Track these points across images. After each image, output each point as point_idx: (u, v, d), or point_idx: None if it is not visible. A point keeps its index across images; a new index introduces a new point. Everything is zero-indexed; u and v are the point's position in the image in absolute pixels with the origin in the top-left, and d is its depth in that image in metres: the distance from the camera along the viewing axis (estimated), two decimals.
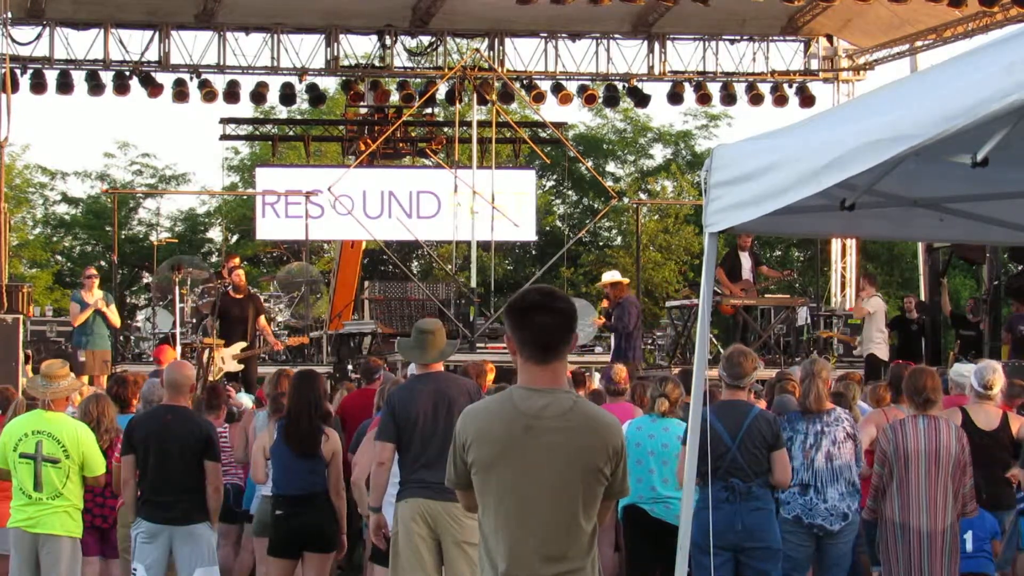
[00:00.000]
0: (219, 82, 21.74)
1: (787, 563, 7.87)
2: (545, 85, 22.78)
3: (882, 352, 17.35)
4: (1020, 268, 18.43)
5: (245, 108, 23.99)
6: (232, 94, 21.75)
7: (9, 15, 18.38)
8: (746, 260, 18.27)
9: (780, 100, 23.13)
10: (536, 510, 4.03)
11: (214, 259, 31.74)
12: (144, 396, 8.79)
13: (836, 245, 23.53)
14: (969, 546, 7.73)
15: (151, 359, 17.41)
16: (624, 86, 23.21)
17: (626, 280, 16.92)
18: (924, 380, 7.56)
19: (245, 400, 11.59)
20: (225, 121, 24.06)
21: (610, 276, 16.60)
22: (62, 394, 8.23)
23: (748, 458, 7.24)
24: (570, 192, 37.22)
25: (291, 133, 27.82)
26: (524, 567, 4.02)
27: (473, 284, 20.24)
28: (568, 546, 4.04)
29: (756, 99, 22.94)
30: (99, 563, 8.85)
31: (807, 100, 23.15)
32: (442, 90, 22.41)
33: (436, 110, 27.34)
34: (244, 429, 9.93)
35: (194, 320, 17.99)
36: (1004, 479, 8.34)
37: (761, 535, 7.28)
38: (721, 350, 19.35)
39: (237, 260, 18.09)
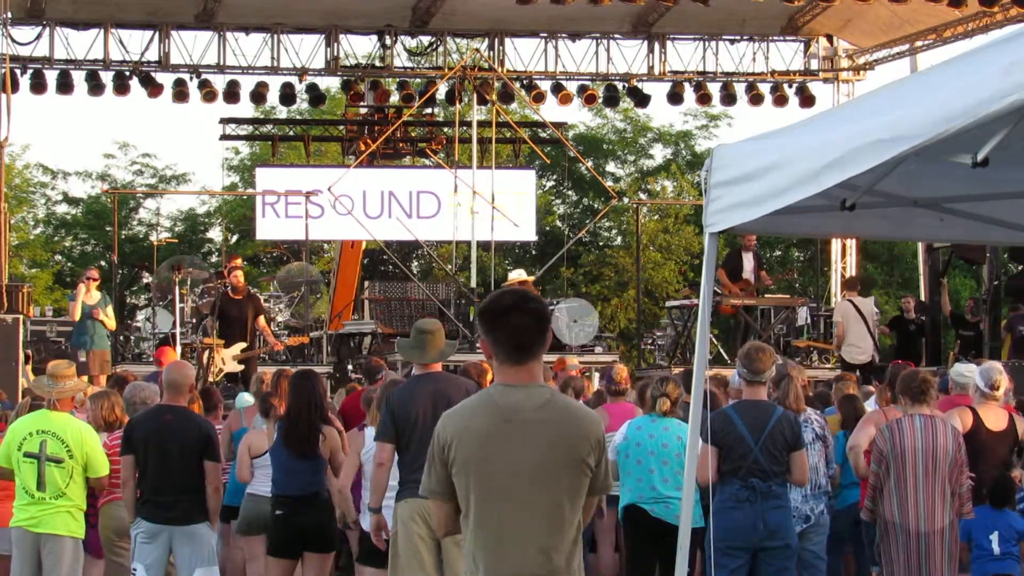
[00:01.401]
0: (219, 82, 21.73)
1: None
2: (545, 85, 22.76)
3: (848, 355, 17.23)
4: (1020, 268, 18.44)
5: (245, 108, 24.01)
6: (232, 94, 21.73)
7: (9, 15, 18.38)
8: (748, 261, 18.26)
9: (780, 100, 23.12)
10: (521, 505, 4.03)
11: (214, 259, 31.73)
12: (127, 399, 8.75)
13: (836, 245, 23.52)
14: (996, 547, 7.70)
15: (151, 359, 17.41)
16: (624, 86, 23.20)
17: (531, 279, 17.05)
18: (916, 376, 7.60)
19: (248, 399, 11.58)
20: (225, 121, 24.04)
21: (518, 275, 16.67)
22: (67, 394, 8.24)
23: (769, 460, 7.23)
24: (570, 192, 37.21)
25: (291, 133, 27.80)
26: (509, 563, 4.02)
27: (473, 284, 20.23)
28: (554, 541, 4.04)
29: (756, 99, 22.93)
30: (105, 565, 8.85)
31: (807, 100, 23.13)
32: (442, 90, 22.41)
33: (436, 110, 27.33)
34: (228, 428, 9.98)
35: (194, 320, 17.98)
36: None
37: (782, 533, 7.29)
38: (721, 350, 19.47)
39: (239, 261, 18.10)
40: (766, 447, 7.22)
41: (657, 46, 22.83)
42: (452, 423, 4.13)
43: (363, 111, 24.23)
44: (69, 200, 36.95)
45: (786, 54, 23.44)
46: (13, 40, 20.11)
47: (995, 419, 8.13)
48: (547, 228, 33.80)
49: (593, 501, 4.22)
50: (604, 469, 4.17)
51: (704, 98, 23.25)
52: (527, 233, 23.57)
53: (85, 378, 15.14)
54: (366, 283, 23.19)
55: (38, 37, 20.96)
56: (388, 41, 22.19)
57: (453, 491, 4.09)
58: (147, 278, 25.90)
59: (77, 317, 16.47)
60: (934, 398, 7.69)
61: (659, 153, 37.22)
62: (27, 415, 8.40)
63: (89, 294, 16.46)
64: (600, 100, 23.89)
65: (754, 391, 7.42)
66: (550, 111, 26.13)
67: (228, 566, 9.83)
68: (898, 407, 8.39)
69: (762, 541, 7.20)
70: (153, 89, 21.43)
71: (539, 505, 4.03)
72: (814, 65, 23.49)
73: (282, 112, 31.69)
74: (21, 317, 14.82)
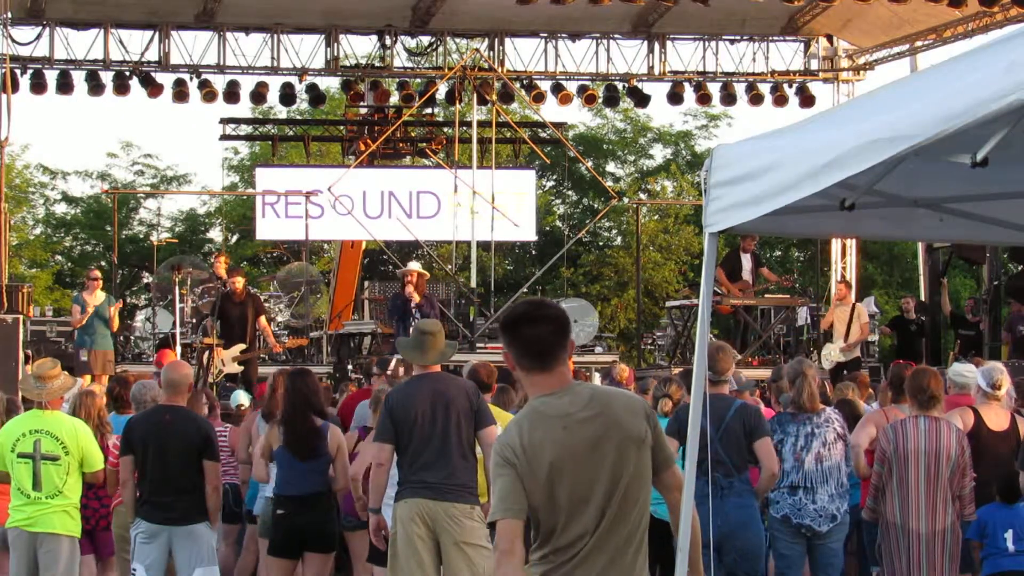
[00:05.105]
0: (219, 82, 21.73)
1: (781, 561, 7.90)
2: (545, 85, 22.76)
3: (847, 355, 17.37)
4: (1020, 268, 18.44)
5: (245, 108, 24.00)
6: (232, 94, 21.73)
7: (9, 15, 18.36)
8: (747, 262, 18.25)
9: (780, 100, 23.12)
10: (599, 501, 4.05)
11: (213, 259, 31.74)
12: (135, 397, 8.75)
13: (836, 245, 23.52)
14: (1010, 544, 7.67)
15: (151, 359, 17.41)
16: (624, 86, 23.20)
17: (427, 275, 17.22)
18: (927, 380, 7.55)
19: (244, 398, 11.59)
20: (225, 121, 24.06)
21: (418, 265, 16.78)
22: (56, 394, 8.21)
23: (730, 451, 7.29)
24: (570, 192, 37.23)
25: (291, 133, 27.81)
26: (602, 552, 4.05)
27: (473, 284, 20.24)
28: (638, 526, 4.10)
29: (756, 99, 22.94)
30: (94, 562, 8.85)
31: (807, 100, 23.14)
32: (442, 90, 22.40)
33: (436, 110, 27.34)
34: (247, 430, 9.95)
35: (194, 320, 17.98)
36: None
37: (743, 532, 7.28)
38: None
39: (226, 258, 18.14)
40: (725, 438, 7.29)
41: (657, 46, 22.83)
42: (516, 444, 4.07)
43: (363, 111, 24.24)
44: (68, 200, 36.96)
45: (786, 54, 23.46)
46: (13, 40, 20.09)
47: (997, 419, 8.10)
48: (547, 228, 33.81)
49: (673, 473, 4.29)
50: (664, 439, 4.24)
51: (704, 98, 23.26)
52: (527, 233, 23.59)
53: (88, 377, 15.24)
54: (366, 283, 23.21)
55: (38, 37, 20.96)
56: (388, 41, 22.19)
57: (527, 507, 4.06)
58: (147, 278, 25.91)
59: (78, 325, 16.29)
60: (941, 402, 7.66)
61: (659, 153, 37.29)
62: (19, 416, 8.38)
63: (93, 295, 16.39)
64: (600, 100, 23.90)
65: (716, 388, 7.50)
66: (550, 111, 26.18)
67: (228, 565, 9.84)
68: (901, 406, 8.39)
69: (723, 538, 7.17)
70: (153, 89, 21.43)
71: (614, 500, 4.06)
72: (814, 65, 23.49)
73: (282, 112, 31.71)
74: (21, 317, 14.80)
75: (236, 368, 16.07)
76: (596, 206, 35.14)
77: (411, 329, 8.51)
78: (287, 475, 8.23)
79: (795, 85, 23.23)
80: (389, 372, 9.74)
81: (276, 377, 9.27)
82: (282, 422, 8.30)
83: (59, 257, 36.74)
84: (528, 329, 4.11)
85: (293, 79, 21.99)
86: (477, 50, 22.42)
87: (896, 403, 8.77)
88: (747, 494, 7.35)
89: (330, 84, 29.69)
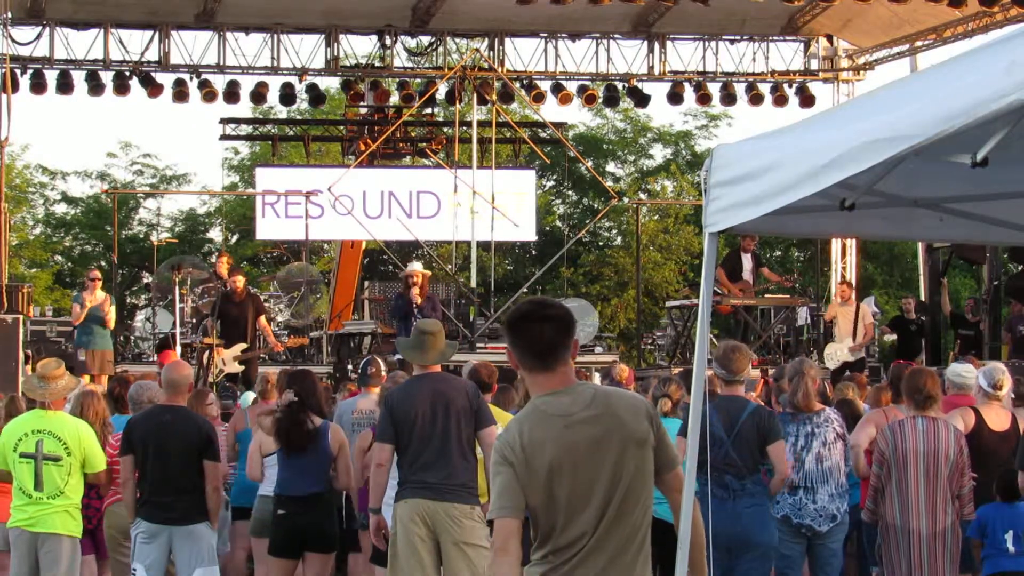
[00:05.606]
0: (219, 82, 21.73)
1: (781, 561, 7.88)
2: (545, 85, 22.76)
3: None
4: (1020, 268, 18.45)
5: (245, 108, 23.99)
6: (232, 94, 21.73)
7: (9, 15, 18.36)
8: (747, 261, 18.26)
9: (780, 100, 23.13)
10: (599, 502, 4.02)
11: (214, 259, 31.75)
12: (132, 398, 8.75)
13: (836, 245, 23.53)
14: (1010, 545, 7.67)
15: (151, 359, 17.40)
16: (624, 86, 23.21)
17: (429, 272, 17.26)
18: (924, 380, 7.54)
19: (251, 398, 11.60)
20: (225, 121, 24.07)
21: (421, 266, 16.84)
22: (60, 394, 8.21)
23: (742, 454, 7.24)
24: (570, 192, 37.23)
25: (291, 133, 27.81)
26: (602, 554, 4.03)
27: (473, 284, 20.24)
28: (639, 527, 4.07)
29: (756, 99, 22.94)
30: (95, 562, 8.86)
31: (807, 100, 23.14)
32: (442, 90, 22.40)
33: (436, 110, 27.34)
34: (234, 428, 9.99)
35: (194, 320, 17.98)
36: None
37: (756, 534, 7.26)
38: None
39: (228, 259, 18.14)
40: (738, 441, 7.25)
41: (657, 46, 22.84)
42: (516, 443, 4.04)
43: (363, 111, 24.24)
44: (68, 200, 36.97)
45: (786, 54, 23.47)
46: (13, 40, 20.09)
47: (998, 419, 8.10)
48: (547, 228, 33.81)
49: (677, 475, 4.26)
50: (667, 440, 4.20)
51: (704, 98, 23.26)
52: (527, 233, 23.59)
53: (87, 377, 15.24)
54: (366, 283, 23.21)
55: (38, 37, 20.96)
56: (388, 41, 22.19)
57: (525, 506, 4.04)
58: (147, 278, 25.90)
59: (78, 323, 16.30)
60: (939, 402, 7.66)
61: (659, 153, 37.30)
62: (22, 416, 8.38)
63: (93, 295, 16.39)
64: (600, 100, 23.90)
65: (731, 389, 7.45)
66: (550, 111, 26.18)
67: (229, 566, 9.84)
68: (901, 407, 8.38)
69: (735, 540, 7.16)
70: (153, 89, 21.43)
71: (615, 501, 4.03)
72: (814, 65, 23.49)
73: (282, 112, 31.71)
74: (21, 317, 14.79)
75: (236, 368, 16.07)
76: (596, 206, 35.14)
77: (411, 329, 8.50)
78: (287, 475, 8.23)
79: (795, 85, 23.23)
80: (384, 375, 9.72)
81: (279, 376, 9.31)
82: (275, 420, 8.31)
83: (59, 257, 36.75)
84: (532, 328, 4.09)
85: (293, 79, 21.99)
86: (477, 50, 22.43)
87: (896, 403, 8.77)
88: (760, 495, 7.32)
89: (330, 84, 29.72)
